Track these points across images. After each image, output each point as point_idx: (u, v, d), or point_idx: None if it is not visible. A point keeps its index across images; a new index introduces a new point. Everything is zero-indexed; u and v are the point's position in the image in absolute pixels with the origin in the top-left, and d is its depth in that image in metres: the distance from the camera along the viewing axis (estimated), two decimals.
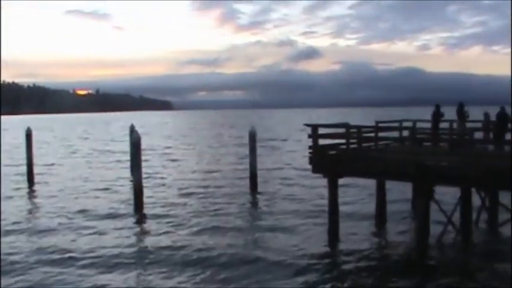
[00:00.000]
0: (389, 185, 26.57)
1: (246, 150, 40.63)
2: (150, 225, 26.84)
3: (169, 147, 78.69)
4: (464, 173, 18.87)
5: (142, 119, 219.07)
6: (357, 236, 23.80)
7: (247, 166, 37.43)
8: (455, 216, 23.13)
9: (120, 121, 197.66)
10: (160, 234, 24.63)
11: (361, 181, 31.14)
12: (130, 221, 27.92)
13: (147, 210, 30.08)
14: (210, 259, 20.52)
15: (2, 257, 20.93)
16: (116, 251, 21.87)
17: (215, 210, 30.30)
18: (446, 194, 26.28)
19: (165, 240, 23.48)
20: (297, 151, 63.53)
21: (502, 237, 23.33)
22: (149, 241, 23.56)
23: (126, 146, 58.52)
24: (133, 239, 24.06)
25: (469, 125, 26.05)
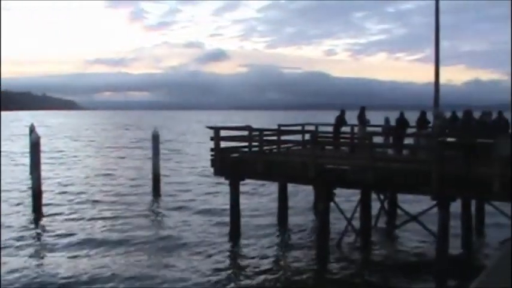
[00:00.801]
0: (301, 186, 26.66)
1: (149, 153, 39.56)
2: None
3: (67, 149, 76.07)
4: (363, 177, 19.17)
5: (44, 119, 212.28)
6: (259, 236, 23.82)
7: (150, 168, 36.72)
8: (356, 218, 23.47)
9: (21, 121, 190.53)
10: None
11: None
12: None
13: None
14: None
15: None
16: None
17: (114, 218, 28.47)
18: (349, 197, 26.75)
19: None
20: (200, 154, 62.96)
21: (400, 239, 23.83)
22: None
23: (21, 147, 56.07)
24: None
25: (369, 129, 26.52)
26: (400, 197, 26.59)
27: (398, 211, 25.58)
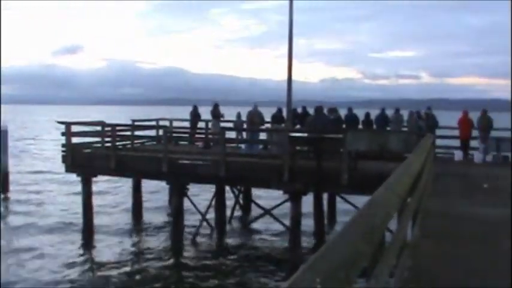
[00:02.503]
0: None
1: None
2: None
3: None
4: (216, 172, 19.22)
5: None
6: (113, 233, 23.23)
7: None
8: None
9: None
10: None
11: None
12: None
13: None
14: None
15: None
16: None
17: None
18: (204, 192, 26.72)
19: None
20: (51, 150, 60.24)
21: (253, 233, 24.11)
22: None
23: None
24: None
25: (223, 124, 26.66)
26: (258, 192, 26.94)
27: (253, 205, 25.93)
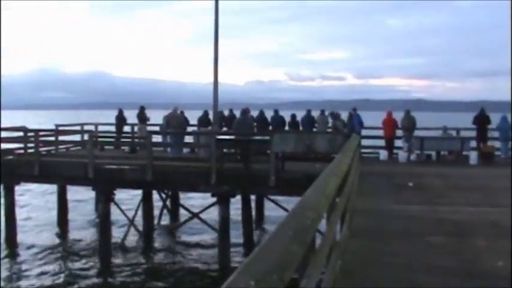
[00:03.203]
0: None
1: None
2: None
3: None
4: (143, 176, 19.02)
5: None
6: (37, 241, 22.61)
7: None
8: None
9: None
10: None
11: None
12: None
13: None
14: None
15: None
16: None
17: None
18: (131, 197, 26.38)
19: None
20: None
21: (182, 237, 23.96)
22: None
23: None
24: None
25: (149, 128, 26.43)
26: (189, 195, 26.80)
27: (181, 209, 25.76)
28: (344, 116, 26.54)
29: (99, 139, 24.97)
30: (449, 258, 8.00)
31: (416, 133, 25.70)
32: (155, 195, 24.75)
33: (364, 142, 25.13)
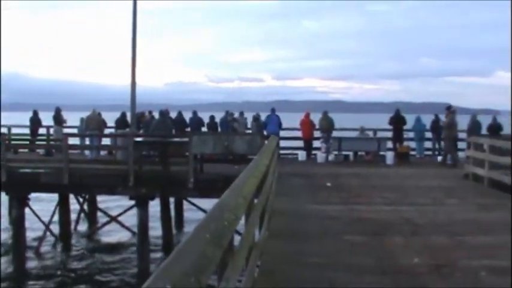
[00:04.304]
0: None
1: None
2: None
3: None
4: (59, 179, 18.55)
5: None
6: None
7: None
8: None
9: None
10: None
11: None
12: None
13: None
14: None
15: None
16: None
17: None
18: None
19: None
20: None
21: (100, 241, 23.52)
22: None
23: None
24: None
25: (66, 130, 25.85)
26: (106, 198, 26.31)
27: (99, 213, 25.27)
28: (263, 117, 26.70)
29: (12, 142, 24.20)
30: (367, 256, 8.15)
31: (334, 134, 26.14)
32: (72, 199, 24.19)
33: (283, 143, 25.36)
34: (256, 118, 26.20)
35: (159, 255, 20.57)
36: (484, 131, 24.83)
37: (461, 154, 23.83)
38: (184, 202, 25.52)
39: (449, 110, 23.98)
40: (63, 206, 22.73)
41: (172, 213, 24.00)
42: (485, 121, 26.22)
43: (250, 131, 25.64)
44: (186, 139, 19.24)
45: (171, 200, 23.42)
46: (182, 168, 18.13)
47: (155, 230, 21.44)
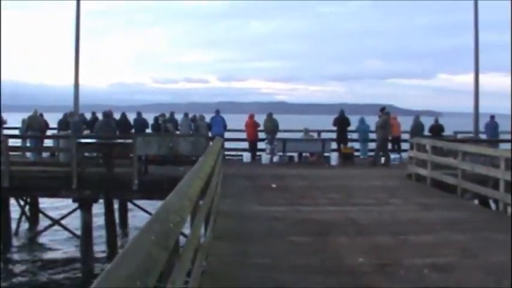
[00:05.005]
0: None
1: None
2: None
3: None
4: None
5: None
6: None
7: None
8: None
9: None
10: None
11: None
12: None
13: None
14: None
15: None
16: None
17: None
18: None
19: None
20: None
21: (42, 245, 23.07)
22: None
23: None
24: None
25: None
26: (49, 201, 25.84)
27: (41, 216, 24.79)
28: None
29: None
30: (313, 256, 8.22)
31: (279, 135, 26.25)
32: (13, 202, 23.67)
33: (228, 144, 25.36)
34: (193, 119, 26.06)
35: (103, 258, 20.32)
36: (426, 132, 25.36)
37: (404, 154, 24.33)
38: (129, 204, 25.29)
39: (383, 111, 24.78)
40: (3, 209, 22.18)
41: (117, 215, 23.72)
42: (427, 122, 26.78)
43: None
44: (130, 140, 19.04)
45: (116, 202, 23.16)
46: (126, 170, 17.94)
47: (99, 232, 21.15)
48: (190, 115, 26.59)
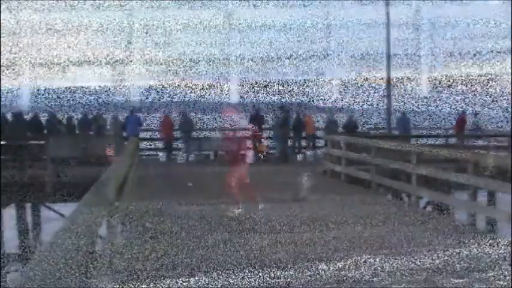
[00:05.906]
0: None
1: None
2: None
3: None
4: None
5: None
6: None
7: None
8: None
9: None
10: None
11: None
12: None
13: None
14: None
15: None
16: None
17: None
18: None
19: None
20: None
21: None
22: None
23: None
24: None
25: None
26: None
27: None
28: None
29: None
30: (232, 254, 8.28)
31: (194, 134, 26.19)
32: None
33: (143, 144, 25.11)
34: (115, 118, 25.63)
35: (15, 264, 19.80)
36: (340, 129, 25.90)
37: (319, 151, 24.80)
38: (43, 208, 24.69)
39: (283, 109, 26.11)
40: None
41: (30, 219, 23.11)
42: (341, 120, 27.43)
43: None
44: (42, 142, 18.59)
45: (28, 206, 22.56)
46: (39, 172, 17.50)
47: (12, 238, 20.60)
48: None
